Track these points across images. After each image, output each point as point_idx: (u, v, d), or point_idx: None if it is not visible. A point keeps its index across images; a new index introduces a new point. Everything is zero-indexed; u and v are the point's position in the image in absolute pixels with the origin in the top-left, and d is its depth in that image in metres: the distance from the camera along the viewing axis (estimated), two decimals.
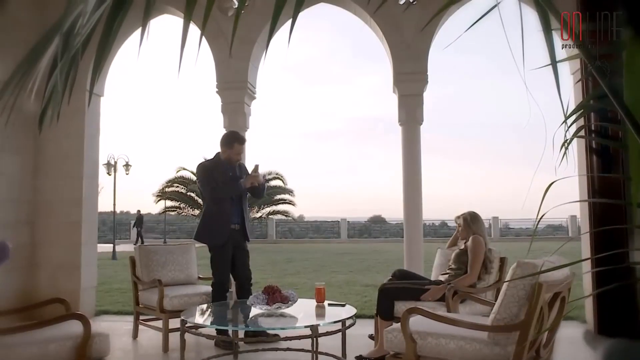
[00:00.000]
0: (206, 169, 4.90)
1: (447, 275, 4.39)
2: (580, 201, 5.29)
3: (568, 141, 1.34)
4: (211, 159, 5.00)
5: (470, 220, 4.47)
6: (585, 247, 5.26)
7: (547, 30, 0.99)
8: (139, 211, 27.99)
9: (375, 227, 39.10)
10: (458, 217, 4.64)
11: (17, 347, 2.81)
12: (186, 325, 3.62)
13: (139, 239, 26.86)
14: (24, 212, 6.00)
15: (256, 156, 26.36)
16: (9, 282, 5.74)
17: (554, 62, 1.10)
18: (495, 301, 4.29)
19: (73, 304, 5.75)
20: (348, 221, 35.11)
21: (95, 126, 6.47)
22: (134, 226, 27.04)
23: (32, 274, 6.01)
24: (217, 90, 6.32)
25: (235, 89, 6.21)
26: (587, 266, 5.12)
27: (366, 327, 4.74)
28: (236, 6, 5.86)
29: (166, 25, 6.85)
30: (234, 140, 4.92)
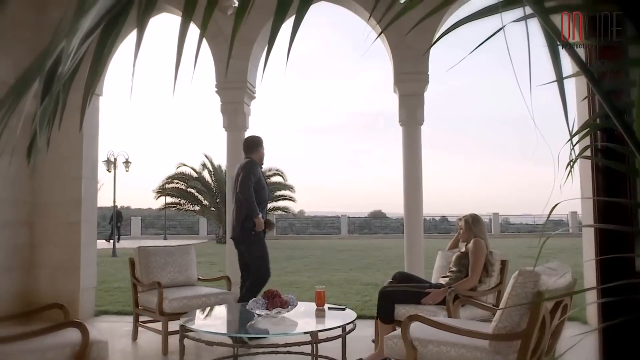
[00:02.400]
0: (258, 168, 5.18)
1: (447, 279, 4.36)
2: (585, 226, 5.27)
3: (572, 161, 1.30)
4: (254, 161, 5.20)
5: (472, 223, 4.44)
6: (589, 272, 5.25)
7: (554, 54, 0.96)
8: (116, 206, 27.25)
9: (375, 222, 39.13)
10: (459, 219, 4.62)
11: (14, 355, 2.78)
12: (185, 331, 3.60)
13: (115, 235, 26.06)
14: (23, 213, 5.98)
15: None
16: (9, 283, 5.73)
17: (560, 80, 1.06)
18: (496, 304, 4.31)
19: (72, 305, 5.77)
20: (348, 217, 35.13)
21: (94, 126, 6.45)
22: (109, 222, 26.12)
23: (31, 274, 6.00)
24: (216, 90, 6.28)
25: (235, 89, 6.17)
26: (590, 282, 5.13)
27: (366, 328, 4.73)
28: (235, 5, 5.81)
29: (165, 24, 6.81)
30: (261, 140, 5.34)
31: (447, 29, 1.03)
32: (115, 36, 0.91)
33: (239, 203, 5.05)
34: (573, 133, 1.30)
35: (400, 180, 6.02)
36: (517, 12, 1.02)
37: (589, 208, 4.34)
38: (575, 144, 1.30)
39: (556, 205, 1.31)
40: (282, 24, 1.22)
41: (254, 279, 5.09)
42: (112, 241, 24.49)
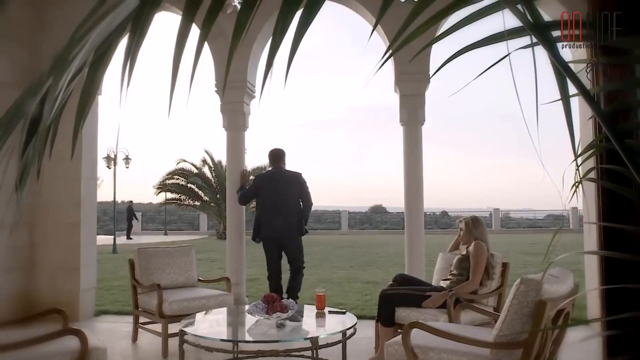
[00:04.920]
0: None
1: (448, 281, 4.34)
2: (588, 252, 5.21)
3: (577, 183, 1.28)
4: None
5: (472, 225, 4.41)
6: (590, 275, 5.23)
7: (562, 84, 0.93)
8: (130, 202, 28.08)
9: (376, 217, 39.16)
10: (460, 221, 4.59)
11: None
12: (185, 336, 3.58)
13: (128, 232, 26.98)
14: (23, 214, 5.94)
15: (256, 147, 26.31)
16: (9, 284, 5.72)
17: (567, 108, 1.03)
18: (497, 307, 4.29)
19: (72, 306, 5.77)
20: (349, 212, 35.10)
21: (94, 126, 6.40)
22: (127, 219, 27.15)
23: (31, 275, 5.98)
24: (216, 89, 6.24)
25: (235, 89, 6.12)
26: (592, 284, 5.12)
27: (367, 329, 4.71)
28: (235, 4, 5.74)
29: (163, 22, 6.75)
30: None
31: (451, 56, 1.00)
32: (106, 65, 0.88)
33: (307, 208, 5.90)
34: (578, 154, 1.26)
35: (400, 174, 5.99)
36: (524, 37, 0.99)
37: (593, 220, 4.31)
38: (581, 164, 1.27)
39: (559, 229, 1.29)
40: (280, 43, 1.18)
41: (300, 268, 6.07)
42: (130, 238, 25.40)
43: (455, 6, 0.92)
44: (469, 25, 1.10)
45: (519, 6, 0.85)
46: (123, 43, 1.01)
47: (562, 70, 0.82)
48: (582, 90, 0.92)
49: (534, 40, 0.93)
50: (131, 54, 0.81)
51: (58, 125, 0.92)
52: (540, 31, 0.81)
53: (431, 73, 5.71)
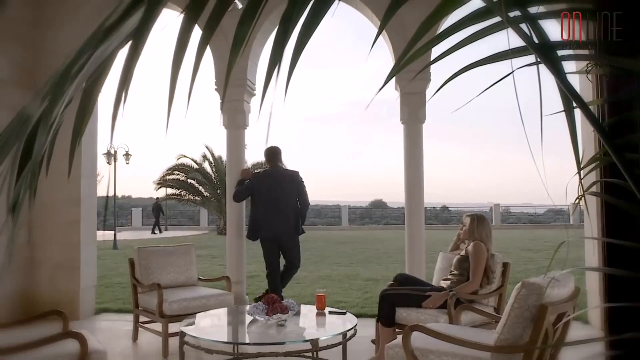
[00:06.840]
0: None
1: (448, 282, 4.33)
2: (590, 269, 5.19)
3: (580, 197, 1.26)
4: None
5: (477, 223, 4.32)
6: (592, 297, 5.21)
7: (568, 108, 0.91)
8: (157, 199, 28.52)
9: (376, 212, 39.18)
10: (466, 216, 4.50)
11: None
12: (185, 337, 3.58)
13: (157, 227, 27.55)
14: (22, 212, 5.92)
15: (256, 143, 26.25)
16: (9, 283, 5.71)
17: (572, 130, 1.02)
18: (497, 307, 4.29)
19: (73, 304, 5.77)
20: (349, 207, 35.06)
21: (93, 124, 6.37)
22: (155, 215, 28.03)
23: (31, 274, 5.97)
24: (215, 87, 6.20)
25: (235, 87, 6.08)
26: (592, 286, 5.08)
27: (367, 327, 4.71)
28: (235, 1, 5.69)
29: (162, 19, 6.68)
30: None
31: (452, 75, 0.98)
32: (101, 85, 0.87)
33: (304, 207, 5.91)
34: (582, 166, 1.25)
35: (401, 168, 5.95)
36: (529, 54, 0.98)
37: (592, 257, 4.24)
38: (584, 177, 1.26)
39: (562, 243, 1.28)
40: (281, 55, 1.16)
41: (296, 265, 6.00)
42: (156, 232, 26.03)
43: (459, 26, 0.90)
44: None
45: (524, 25, 0.83)
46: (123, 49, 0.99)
47: (566, 92, 0.81)
48: (584, 108, 0.91)
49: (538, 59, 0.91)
50: (131, 64, 0.79)
51: (54, 145, 0.90)
52: (543, 52, 0.79)
53: (432, 71, 5.70)
